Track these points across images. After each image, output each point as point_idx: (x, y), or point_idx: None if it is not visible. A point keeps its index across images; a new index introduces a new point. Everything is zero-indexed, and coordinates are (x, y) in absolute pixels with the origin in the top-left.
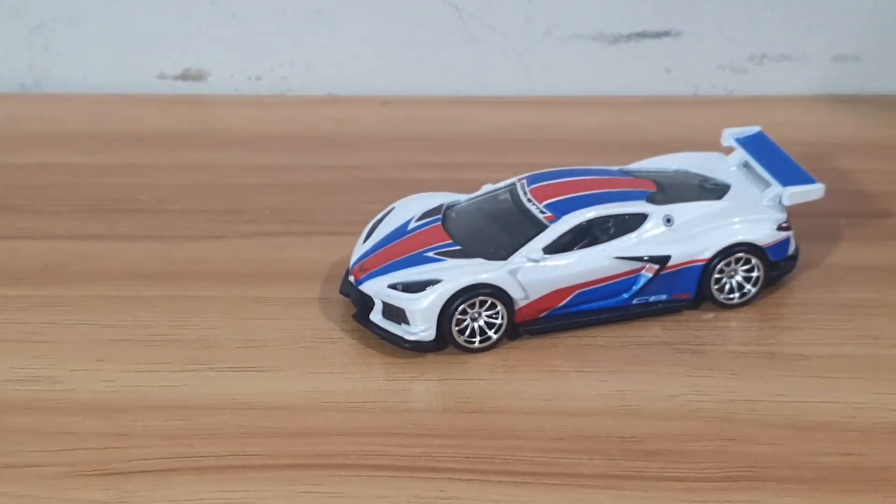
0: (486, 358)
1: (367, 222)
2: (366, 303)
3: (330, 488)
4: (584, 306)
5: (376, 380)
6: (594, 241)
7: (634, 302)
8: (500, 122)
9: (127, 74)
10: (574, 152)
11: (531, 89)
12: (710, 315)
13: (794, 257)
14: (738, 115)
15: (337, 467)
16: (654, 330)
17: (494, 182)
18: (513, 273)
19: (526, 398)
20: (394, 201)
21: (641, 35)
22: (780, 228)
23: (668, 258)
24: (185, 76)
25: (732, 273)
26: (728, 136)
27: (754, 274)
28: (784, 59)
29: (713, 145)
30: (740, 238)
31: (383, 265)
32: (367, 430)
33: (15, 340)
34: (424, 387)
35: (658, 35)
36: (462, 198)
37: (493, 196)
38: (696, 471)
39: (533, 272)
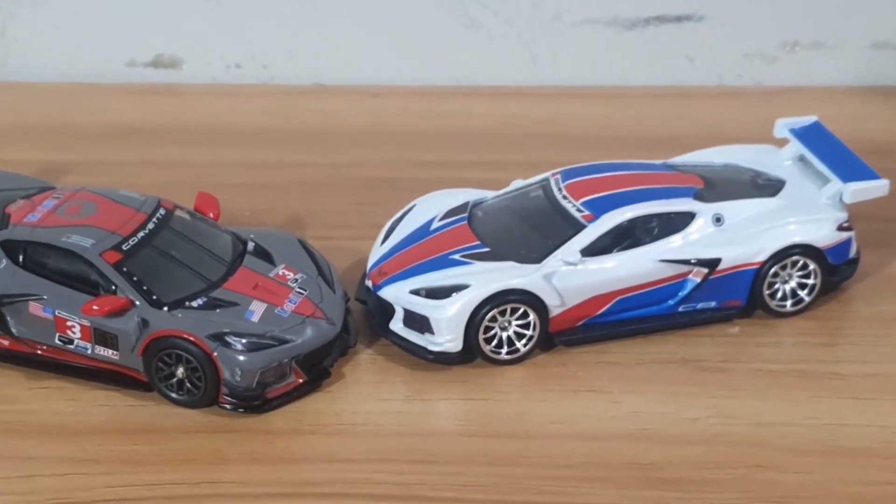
0: (487, 377)
1: (357, 226)
2: (385, 310)
3: None
4: (626, 314)
5: (367, 401)
6: (636, 243)
7: (680, 309)
8: (503, 115)
9: (92, 61)
10: (585, 149)
11: (537, 79)
12: (736, 329)
13: (856, 260)
14: (766, 107)
15: (322, 496)
16: (673, 346)
17: (494, 181)
18: (547, 278)
19: (532, 421)
20: (386, 202)
21: (660, 20)
22: (840, 228)
23: (718, 261)
24: (156, 63)
25: (787, 278)
26: (781, 127)
27: (811, 280)
28: (817, 46)
29: (739, 140)
30: (797, 239)
31: (404, 269)
32: (356, 455)
33: None
34: (419, 408)
35: (679, 19)
36: (489, 195)
37: (523, 193)
38: (719, 501)
39: (569, 277)
